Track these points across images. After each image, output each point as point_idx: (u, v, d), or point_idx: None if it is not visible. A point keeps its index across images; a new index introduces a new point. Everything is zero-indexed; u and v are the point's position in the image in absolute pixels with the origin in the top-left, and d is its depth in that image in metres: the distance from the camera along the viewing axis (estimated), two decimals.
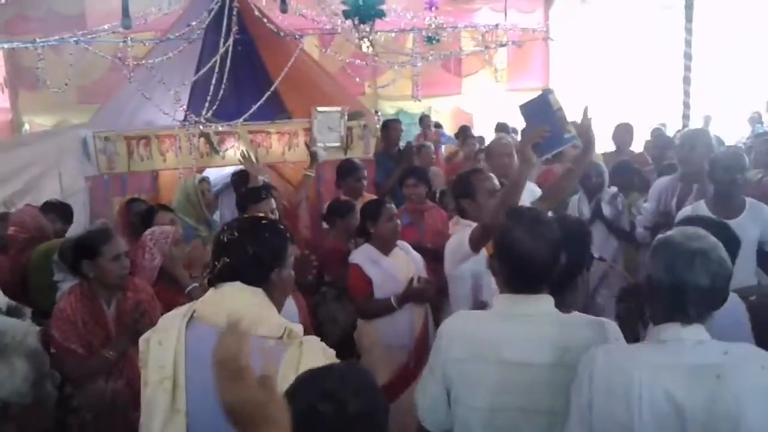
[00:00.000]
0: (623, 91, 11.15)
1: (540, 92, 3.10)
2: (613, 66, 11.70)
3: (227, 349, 1.23)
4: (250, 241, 1.98)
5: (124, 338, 3.10)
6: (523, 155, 2.96)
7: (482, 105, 11.56)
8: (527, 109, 3.10)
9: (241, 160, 5.19)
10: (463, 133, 8.86)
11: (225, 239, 2.02)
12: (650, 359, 1.80)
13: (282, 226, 2.09)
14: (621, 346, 1.99)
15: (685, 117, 6.92)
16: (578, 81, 11.84)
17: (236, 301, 1.94)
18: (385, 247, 3.97)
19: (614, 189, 5.16)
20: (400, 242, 4.07)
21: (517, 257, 2.09)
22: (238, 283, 1.95)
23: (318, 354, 1.87)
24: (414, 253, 4.11)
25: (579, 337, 2.04)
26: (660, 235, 1.94)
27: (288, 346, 1.87)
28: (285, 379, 1.81)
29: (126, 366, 3.08)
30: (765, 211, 3.87)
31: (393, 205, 4.16)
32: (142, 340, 2.03)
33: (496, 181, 3.58)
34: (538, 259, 2.07)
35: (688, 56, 6.89)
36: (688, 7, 6.86)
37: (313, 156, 5.11)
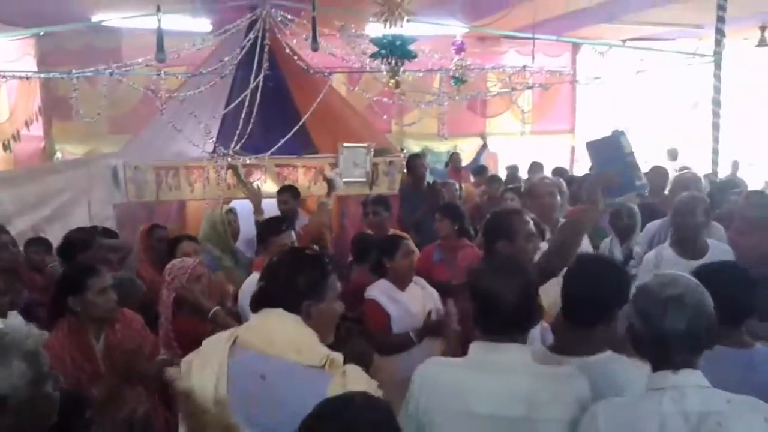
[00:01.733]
0: (649, 136, 11.11)
1: (610, 132, 2.90)
2: (640, 112, 11.70)
3: None
4: (285, 267, 2.00)
5: (112, 377, 3.00)
6: (591, 197, 2.78)
7: (506, 146, 11.58)
8: (595, 149, 2.94)
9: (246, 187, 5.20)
10: (483, 173, 8.82)
11: (268, 265, 2.05)
12: (655, 409, 1.77)
13: (326, 259, 2.08)
14: (621, 400, 1.94)
15: (714, 163, 6.87)
16: (603, 126, 11.84)
17: (278, 327, 1.95)
18: (402, 283, 3.94)
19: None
20: (415, 278, 4.05)
21: (484, 298, 2.08)
22: (280, 310, 1.96)
23: (362, 383, 1.86)
24: (429, 288, 4.07)
25: (551, 391, 1.99)
26: (638, 283, 1.92)
27: (332, 376, 1.87)
28: None
29: (132, 393, 3.03)
30: (728, 254, 3.81)
31: (410, 241, 4.13)
32: (183, 361, 2.03)
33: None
34: (504, 301, 2.03)
35: (716, 103, 6.87)
36: (718, 53, 6.87)
37: (329, 184, 5.09)
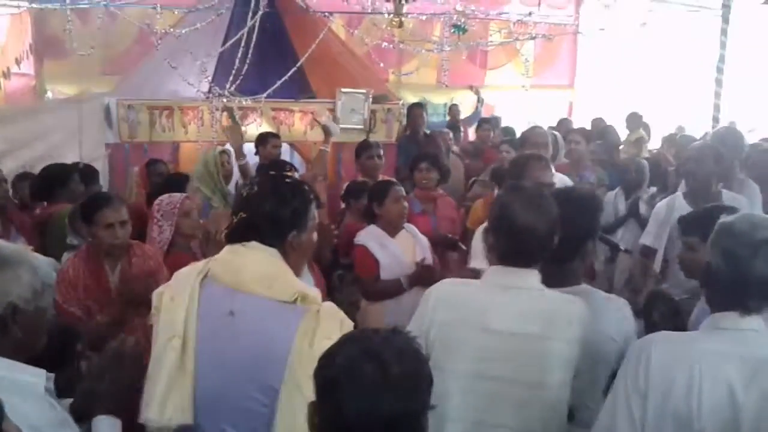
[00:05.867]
0: (651, 92, 10.96)
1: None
2: (642, 67, 11.52)
3: None
4: (269, 197, 1.90)
5: (118, 305, 3.02)
6: None
7: (504, 99, 11.41)
8: None
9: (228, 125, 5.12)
10: (490, 123, 8.66)
11: (245, 194, 1.95)
12: (711, 348, 1.73)
13: (306, 187, 2.00)
14: (676, 335, 1.92)
15: (715, 120, 6.80)
16: (604, 81, 11.69)
17: (249, 262, 1.87)
18: (392, 229, 3.92)
19: (653, 189, 5.04)
20: (406, 225, 4.00)
21: (513, 231, 2.06)
22: (254, 243, 1.87)
23: (335, 324, 1.79)
24: (421, 236, 4.03)
25: (563, 311, 2.03)
26: (722, 220, 1.86)
27: (305, 313, 1.80)
28: (301, 346, 1.76)
29: (139, 323, 3.01)
30: (742, 203, 3.76)
31: (401, 187, 4.06)
32: (155, 294, 1.96)
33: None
34: (534, 234, 2.04)
35: (722, 59, 6.76)
36: (726, 7, 6.72)
37: (325, 130, 5.00)
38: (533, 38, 8.33)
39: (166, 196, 3.65)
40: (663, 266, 3.89)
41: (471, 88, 9.54)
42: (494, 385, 2.03)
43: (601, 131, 7.19)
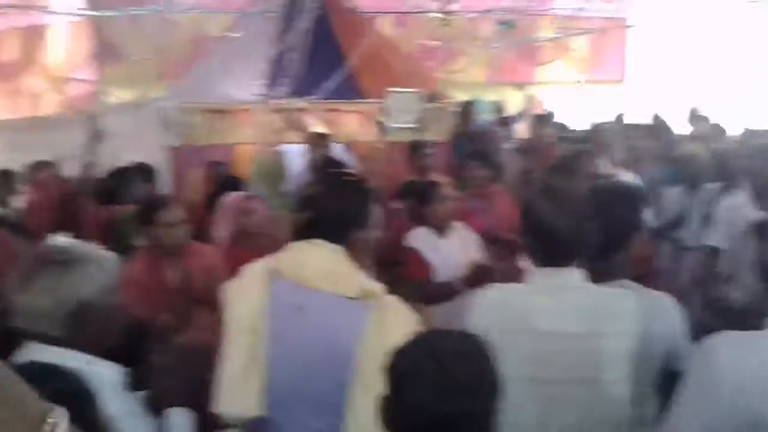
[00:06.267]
0: (708, 85, 10.67)
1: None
2: (696, 60, 11.23)
3: None
4: (330, 196, 1.94)
5: (179, 304, 3.12)
6: None
7: (556, 95, 11.27)
8: None
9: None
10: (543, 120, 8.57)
11: (307, 193, 2.00)
12: None
13: (367, 186, 2.04)
14: (741, 333, 1.88)
15: None
16: (657, 75, 11.43)
17: (314, 258, 1.91)
18: (441, 230, 3.86)
19: (715, 185, 4.90)
20: (455, 224, 3.94)
21: (541, 231, 2.04)
22: (318, 240, 1.91)
23: (401, 319, 1.84)
24: (470, 234, 3.97)
25: (613, 306, 2.00)
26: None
27: (371, 308, 1.84)
28: (369, 341, 1.80)
29: (202, 320, 3.10)
30: None
31: (447, 187, 4.03)
32: (224, 289, 2.02)
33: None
34: (563, 233, 2.01)
35: None
36: None
37: (381, 130, 5.02)
38: (584, 33, 8.20)
39: (226, 196, 3.74)
40: (730, 267, 3.79)
41: (521, 87, 9.44)
42: (551, 388, 2.01)
43: (658, 127, 7.05)
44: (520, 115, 9.19)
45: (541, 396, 2.02)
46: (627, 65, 12.31)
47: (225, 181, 4.58)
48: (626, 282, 2.21)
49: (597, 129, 4.43)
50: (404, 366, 1.37)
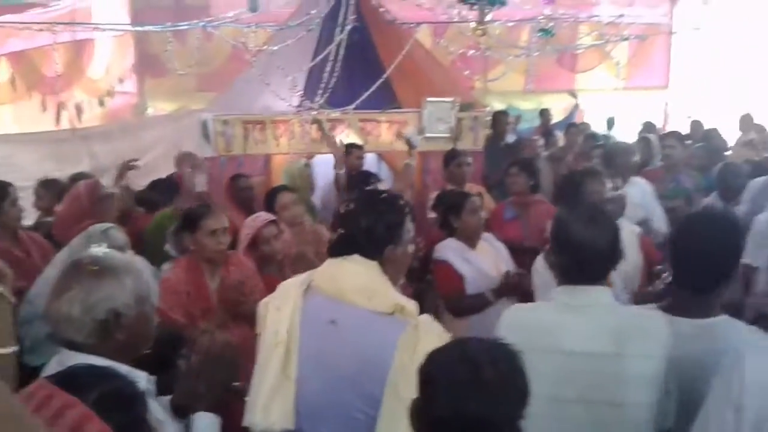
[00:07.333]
0: (750, 93, 10.41)
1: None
2: (740, 67, 10.96)
3: None
4: (365, 213, 1.95)
5: (219, 312, 3.17)
6: None
7: (596, 102, 11.13)
8: None
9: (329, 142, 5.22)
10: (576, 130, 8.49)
11: (343, 211, 2.01)
12: None
13: (402, 202, 2.04)
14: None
15: None
16: (700, 82, 11.19)
17: (349, 273, 1.93)
18: (471, 241, 3.80)
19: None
20: (485, 234, 3.90)
21: (572, 249, 2.05)
22: (355, 256, 1.93)
23: (434, 338, 1.81)
24: (498, 244, 3.92)
25: (639, 327, 1.98)
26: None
27: (405, 325, 1.83)
28: (402, 358, 1.79)
29: (238, 330, 3.14)
30: None
31: (477, 198, 3.97)
32: (261, 303, 2.06)
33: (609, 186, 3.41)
34: (594, 251, 2.02)
35: None
36: None
37: (408, 144, 5.01)
38: (624, 39, 8.08)
39: (251, 218, 3.73)
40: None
41: (570, 92, 9.34)
42: (573, 408, 1.99)
43: (704, 134, 6.88)
44: (561, 122, 9.09)
45: (562, 416, 2.00)
46: (671, 71, 12.11)
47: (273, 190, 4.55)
48: (726, 317, 2.10)
49: (618, 148, 4.34)
50: (436, 369, 1.41)
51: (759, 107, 9.84)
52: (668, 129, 8.82)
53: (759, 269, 3.71)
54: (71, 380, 1.55)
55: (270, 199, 4.25)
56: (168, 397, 1.88)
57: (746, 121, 7.80)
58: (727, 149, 7.03)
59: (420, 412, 1.43)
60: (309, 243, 4.14)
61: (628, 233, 3.60)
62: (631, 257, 3.28)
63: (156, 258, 3.82)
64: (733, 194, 4.66)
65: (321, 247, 4.02)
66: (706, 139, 6.62)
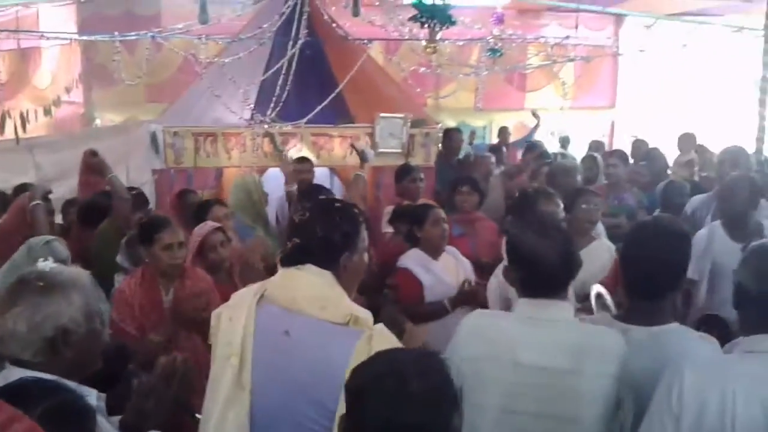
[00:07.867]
0: (692, 113, 10.82)
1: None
2: (683, 88, 11.39)
3: None
4: (320, 223, 1.95)
5: (170, 325, 3.15)
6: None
7: (545, 121, 11.40)
8: None
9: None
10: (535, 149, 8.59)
11: (296, 220, 2.01)
12: (746, 371, 1.72)
13: (356, 211, 2.05)
14: (709, 360, 1.90)
15: (759, 140, 6.68)
16: (645, 102, 11.57)
17: (303, 283, 1.92)
18: (434, 252, 3.93)
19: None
20: (448, 247, 4.03)
21: (526, 263, 2.09)
22: (308, 266, 1.92)
23: (389, 346, 1.83)
24: (462, 258, 4.06)
25: (596, 345, 2.00)
26: (754, 243, 1.86)
27: (359, 335, 1.83)
28: None
29: (188, 343, 3.10)
30: None
31: (440, 210, 4.09)
32: (213, 314, 2.03)
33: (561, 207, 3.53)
34: (548, 263, 2.05)
35: (766, 79, 6.65)
36: None
37: (361, 156, 5.06)
38: (571, 60, 8.31)
39: (198, 227, 3.72)
40: (707, 298, 3.80)
41: (533, 112, 9.46)
42: (523, 420, 2.01)
43: (647, 153, 7.09)
44: (519, 141, 9.23)
45: (512, 427, 2.02)
46: (618, 91, 12.48)
47: (202, 204, 4.52)
48: (676, 325, 2.16)
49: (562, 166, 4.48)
50: (364, 382, 1.38)
51: (700, 128, 10.26)
52: (615, 148, 9.08)
53: (699, 283, 3.85)
54: (17, 393, 1.52)
55: (201, 212, 4.20)
56: (118, 418, 1.86)
57: (685, 141, 8.03)
58: (668, 168, 7.27)
59: (350, 429, 1.41)
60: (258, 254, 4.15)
61: (605, 250, 3.77)
62: (603, 273, 3.43)
63: (105, 270, 3.75)
64: (675, 212, 4.84)
65: (269, 259, 4.05)
66: (648, 158, 6.83)
